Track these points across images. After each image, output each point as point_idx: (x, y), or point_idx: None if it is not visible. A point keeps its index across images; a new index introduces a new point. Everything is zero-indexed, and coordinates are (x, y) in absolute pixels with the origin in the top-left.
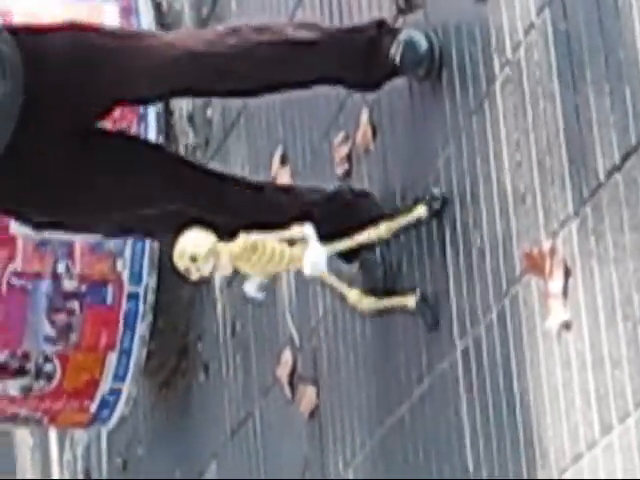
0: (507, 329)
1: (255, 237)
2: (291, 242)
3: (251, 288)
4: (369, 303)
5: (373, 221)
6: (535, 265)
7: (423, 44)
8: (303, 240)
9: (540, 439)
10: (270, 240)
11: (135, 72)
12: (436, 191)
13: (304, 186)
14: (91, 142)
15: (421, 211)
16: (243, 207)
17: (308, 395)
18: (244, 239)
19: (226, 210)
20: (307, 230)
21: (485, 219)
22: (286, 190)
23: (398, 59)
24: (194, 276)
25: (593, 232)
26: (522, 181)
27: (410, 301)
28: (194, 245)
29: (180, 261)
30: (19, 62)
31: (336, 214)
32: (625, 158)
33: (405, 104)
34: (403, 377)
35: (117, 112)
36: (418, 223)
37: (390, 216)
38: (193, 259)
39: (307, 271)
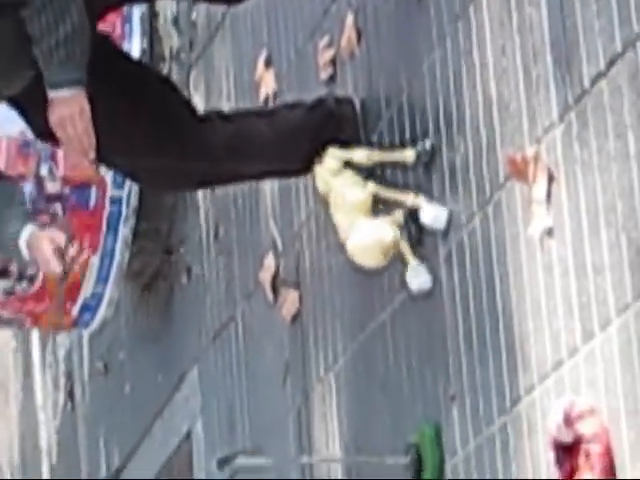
0: (490, 235)
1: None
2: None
3: (414, 281)
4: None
5: (356, 135)
6: (519, 171)
7: None
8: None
9: (521, 345)
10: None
11: None
12: (427, 144)
13: (285, 104)
14: None
15: (409, 155)
16: (226, 141)
17: (290, 299)
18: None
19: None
20: (420, 201)
21: (469, 125)
22: (267, 115)
23: None
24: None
25: (577, 138)
26: (507, 87)
27: (397, 216)
28: (385, 232)
29: (387, 253)
30: None
31: (320, 122)
32: (610, 65)
33: (390, 8)
34: (385, 282)
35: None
36: (403, 165)
37: (380, 148)
38: (396, 244)
39: (427, 220)
